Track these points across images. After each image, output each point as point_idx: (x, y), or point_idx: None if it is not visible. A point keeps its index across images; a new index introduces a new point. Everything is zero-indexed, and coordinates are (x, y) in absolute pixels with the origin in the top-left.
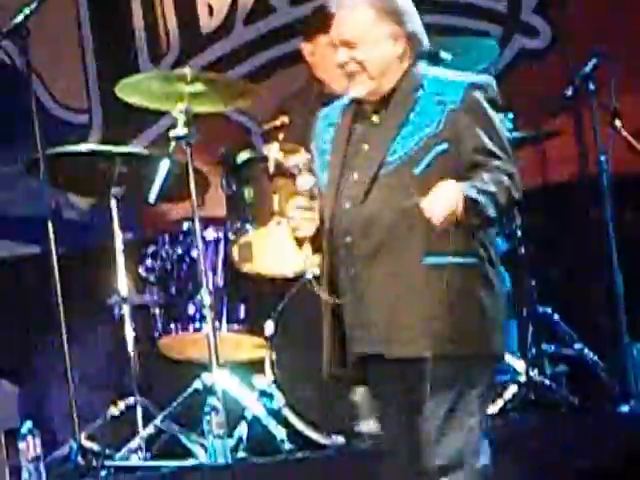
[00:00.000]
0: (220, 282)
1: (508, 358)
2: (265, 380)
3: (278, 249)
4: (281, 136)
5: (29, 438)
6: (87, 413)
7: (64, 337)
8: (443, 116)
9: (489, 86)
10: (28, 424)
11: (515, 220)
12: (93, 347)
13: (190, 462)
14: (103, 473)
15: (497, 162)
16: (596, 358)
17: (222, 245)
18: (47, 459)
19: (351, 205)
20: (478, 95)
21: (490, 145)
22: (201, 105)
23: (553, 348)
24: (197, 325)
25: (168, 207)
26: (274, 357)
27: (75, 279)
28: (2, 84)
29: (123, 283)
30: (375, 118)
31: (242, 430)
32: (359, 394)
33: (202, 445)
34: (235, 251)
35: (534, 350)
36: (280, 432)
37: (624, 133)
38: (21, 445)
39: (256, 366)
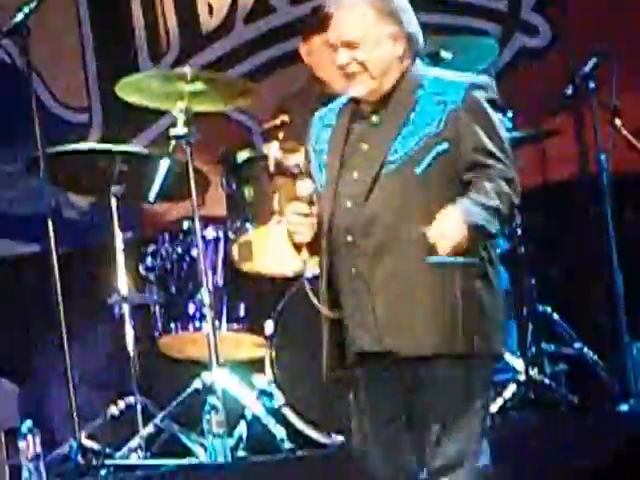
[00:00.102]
0: (220, 281)
1: (508, 357)
2: (265, 379)
3: (278, 248)
4: (281, 135)
5: (29, 437)
6: (87, 412)
7: (64, 336)
8: (444, 116)
9: (489, 86)
10: (28, 423)
11: (515, 219)
12: (93, 346)
13: (190, 461)
14: (103, 472)
15: (497, 165)
16: (596, 357)
17: (222, 244)
18: (47, 458)
19: (352, 204)
20: (479, 95)
21: (490, 145)
22: (201, 104)
23: (553, 347)
24: (197, 324)
25: (168, 206)
26: (274, 356)
27: (75, 278)
28: (2, 83)
29: (123, 282)
30: (374, 118)
31: (242, 429)
32: None
33: (202, 444)
34: (235, 250)
35: (534, 349)
36: (280, 431)
37: (624, 132)
38: (21, 444)
39: (256, 365)
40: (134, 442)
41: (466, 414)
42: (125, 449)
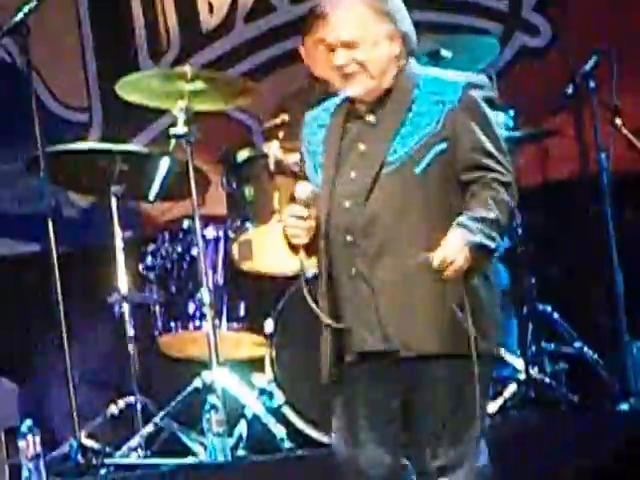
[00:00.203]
0: (220, 280)
1: (508, 356)
2: (265, 378)
3: (278, 247)
4: (281, 134)
5: (29, 436)
6: (87, 411)
7: (64, 335)
8: (442, 115)
9: (486, 85)
10: (28, 422)
11: (515, 218)
12: (93, 345)
13: (190, 460)
14: (103, 471)
15: (496, 167)
16: (596, 356)
17: (222, 243)
18: (47, 457)
19: (351, 204)
20: (476, 94)
21: (487, 145)
22: (201, 103)
23: (553, 346)
24: (197, 323)
25: (168, 205)
26: (274, 355)
27: (75, 277)
28: (2, 82)
29: (123, 281)
30: (371, 118)
31: (242, 428)
32: None
33: (202, 443)
34: (235, 249)
35: (534, 348)
36: (280, 430)
37: (624, 131)
38: (21, 443)
39: (256, 364)
40: (134, 441)
41: (466, 414)
42: (125, 448)
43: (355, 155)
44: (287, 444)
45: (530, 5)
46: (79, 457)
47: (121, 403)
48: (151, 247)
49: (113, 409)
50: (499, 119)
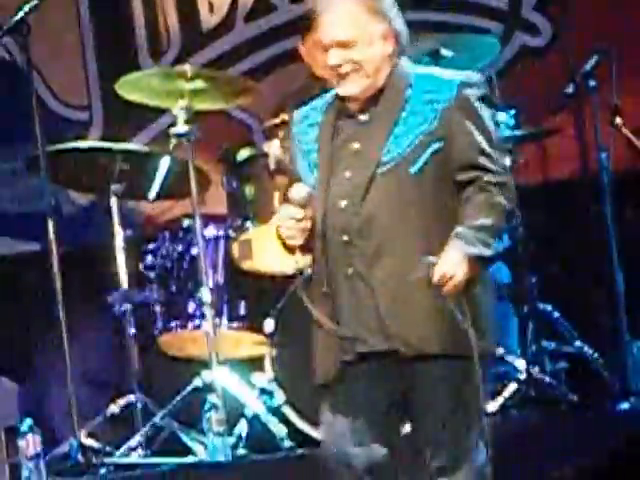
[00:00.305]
0: (220, 280)
1: (508, 355)
2: (265, 377)
3: (278, 246)
4: (282, 133)
5: (29, 436)
6: (87, 411)
7: (64, 334)
8: (437, 114)
9: (480, 83)
10: (28, 422)
11: (515, 218)
12: (93, 344)
13: (190, 459)
14: (103, 471)
15: (491, 166)
16: (596, 355)
17: (222, 243)
18: (47, 457)
19: (347, 204)
20: (470, 93)
21: (483, 143)
22: (202, 102)
23: (553, 345)
24: (197, 322)
25: (169, 204)
26: (274, 354)
27: (75, 276)
28: (2, 81)
29: (123, 280)
30: (363, 116)
31: (242, 428)
32: None
33: (202, 443)
34: (236, 248)
35: (534, 347)
36: (280, 430)
37: (625, 131)
38: (21, 443)
39: (256, 363)
40: (134, 440)
41: (465, 413)
42: (125, 447)
43: (349, 154)
44: (287, 443)
45: (530, 4)
46: (79, 456)
47: (121, 402)
48: (151, 246)
49: (113, 408)
50: (498, 118)
